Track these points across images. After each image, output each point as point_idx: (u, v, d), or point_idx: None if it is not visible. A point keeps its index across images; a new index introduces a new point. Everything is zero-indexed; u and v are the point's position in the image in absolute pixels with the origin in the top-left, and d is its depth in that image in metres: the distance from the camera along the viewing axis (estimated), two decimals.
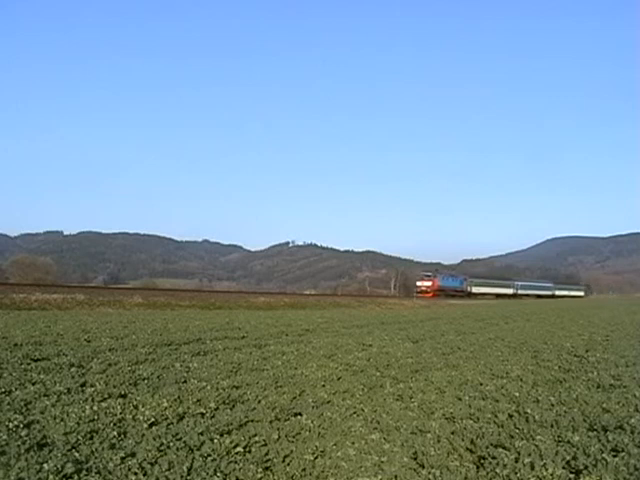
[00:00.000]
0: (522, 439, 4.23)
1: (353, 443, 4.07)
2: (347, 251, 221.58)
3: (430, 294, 59.16)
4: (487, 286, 72.18)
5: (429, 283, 62.48)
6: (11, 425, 4.13)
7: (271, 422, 4.55)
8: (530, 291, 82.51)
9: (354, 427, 4.48)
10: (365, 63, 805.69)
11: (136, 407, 4.85)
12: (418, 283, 64.14)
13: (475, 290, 68.91)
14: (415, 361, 8.28)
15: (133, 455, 3.60)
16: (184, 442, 3.92)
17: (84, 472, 3.29)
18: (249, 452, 3.80)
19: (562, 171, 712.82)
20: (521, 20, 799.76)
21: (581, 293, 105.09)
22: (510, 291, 77.12)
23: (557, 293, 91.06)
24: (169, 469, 3.39)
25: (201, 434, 4.12)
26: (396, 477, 3.49)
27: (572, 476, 3.52)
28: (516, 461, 3.73)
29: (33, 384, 5.65)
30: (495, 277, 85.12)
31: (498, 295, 72.11)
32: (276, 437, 4.14)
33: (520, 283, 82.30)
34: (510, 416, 5.00)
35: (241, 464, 3.56)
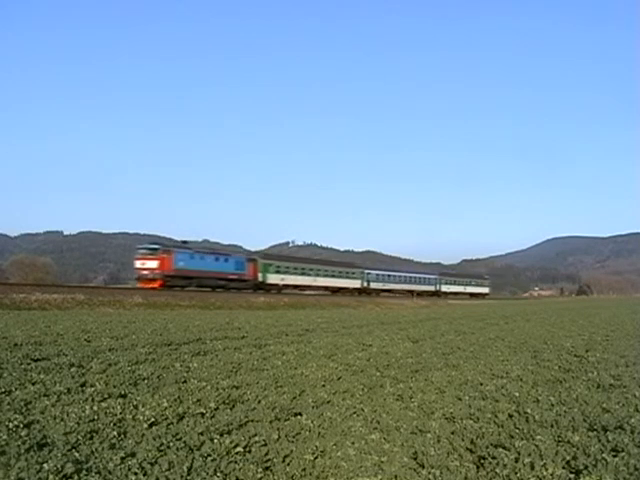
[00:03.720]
0: (522, 439, 4.22)
1: (353, 443, 4.07)
2: (347, 251, 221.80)
3: (157, 283, 36.04)
4: (292, 276, 48.79)
5: (154, 264, 36.62)
6: (11, 425, 4.13)
7: (271, 422, 4.55)
8: (378, 284, 58.64)
9: (354, 427, 4.48)
10: (365, 63, 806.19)
11: (136, 407, 4.85)
12: (137, 264, 37.78)
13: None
14: (415, 361, 8.28)
15: (133, 455, 3.60)
16: (184, 442, 3.92)
17: (84, 472, 3.28)
18: (249, 452, 3.80)
19: (562, 171, 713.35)
20: (523, 20, 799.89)
21: (484, 290, 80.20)
22: (357, 284, 56.36)
23: (445, 289, 69.07)
24: (169, 469, 3.39)
25: (201, 434, 4.12)
26: (396, 477, 3.49)
27: (572, 476, 3.52)
28: (516, 461, 3.73)
29: (33, 384, 5.65)
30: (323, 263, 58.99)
31: (337, 289, 53.89)
32: (276, 437, 4.14)
33: (368, 272, 58.42)
34: (510, 416, 5.00)
35: (241, 464, 3.56)
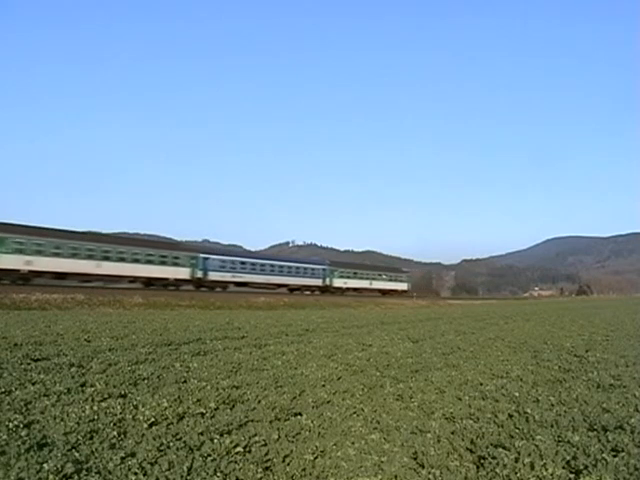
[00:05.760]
0: (522, 439, 4.22)
1: (353, 443, 4.07)
2: (347, 251, 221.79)
3: None
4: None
5: None
6: (11, 425, 4.12)
7: (271, 422, 4.55)
8: (220, 275, 43.77)
9: (354, 427, 4.48)
10: (366, 63, 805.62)
11: (136, 407, 4.85)
12: None
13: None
14: (415, 361, 8.28)
15: (133, 455, 3.60)
16: (184, 442, 3.92)
17: (84, 472, 3.28)
18: (249, 452, 3.79)
19: (562, 171, 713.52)
20: (525, 20, 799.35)
21: (401, 286, 64.96)
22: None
23: (338, 284, 54.90)
24: (169, 469, 3.38)
25: (201, 434, 4.12)
26: (396, 477, 3.49)
27: (572, 476, 3.52)
28: (516, 461, 3.72)
29: (33, 384, 5.64)
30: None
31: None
32: (276, 437, 4.13)
33: (205, 256, 43.65)
34: (510, 416, 5.00)
35: (241, 464, 3.55)
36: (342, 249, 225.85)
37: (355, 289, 56.78)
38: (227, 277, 44.64)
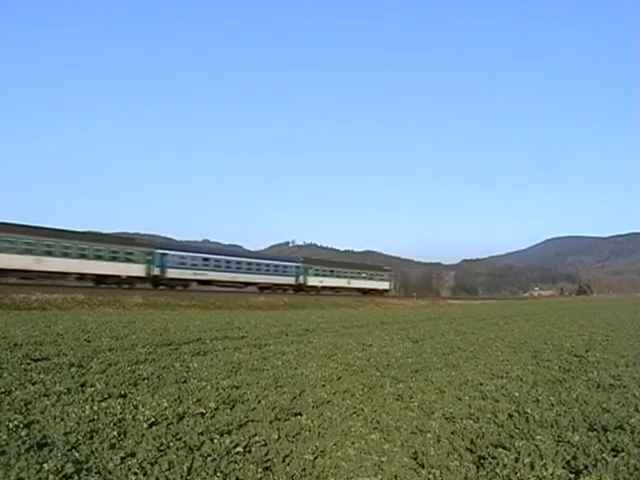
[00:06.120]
0: (522, 439, 4.22)
1: (353, 443, 4.07)
2: (347, 251, 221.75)
3: None
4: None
5: None
6: (11, 425, 4.13)
7: (271, 422, 4.55)
8: (180, 273, 40.66)
9: (354, 427, 4.48)
10: (366, 63, 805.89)
11: (136, 407, 4.85)
12: None
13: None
14: (415, 361, 8.28)
15: (133, 455, 3.60)
16: (184, 442, 3.92)
17: (84, 472, 3.28)
18: (249, 452, 3.79)
19: (562, 171, 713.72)
20: (525, 20, 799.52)
21: (382, 285, 61.33)
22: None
23: (313, 282, 51.73)
24: (169, 469, 3.39)
25: (201, 434, 4.12)
26: (396, 477, 3.49)
27: (572, 476, 3.52)
28: (516, 461, 3.72)
29: (33, 384, 5.64)
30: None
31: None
32: (276, 437, 4.13)
33: (163, 252, 40.46)
34: (510, 416, 5.00)
35: (241, 464, 3.55)
36: (342, 249, 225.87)
37: (332, 288, 53.55)
38: (188, 275, 41.61)
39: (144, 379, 6.16)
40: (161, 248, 41.08)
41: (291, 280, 50.38)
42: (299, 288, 50.28)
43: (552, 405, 5.45)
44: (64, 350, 8.12)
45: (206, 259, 43.69)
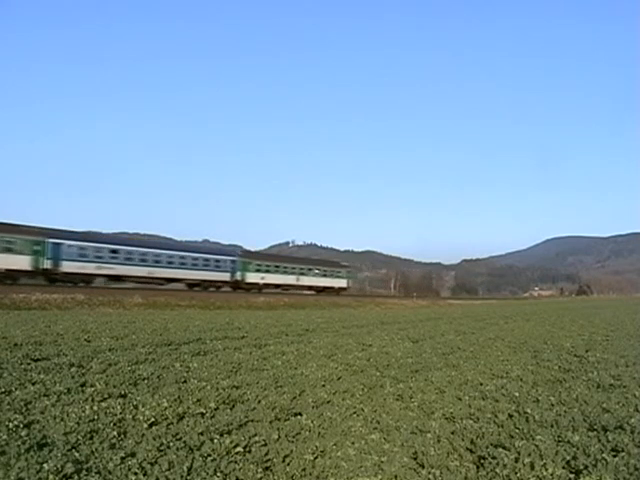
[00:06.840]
0: (522, 439, 4.22)
1: (353, 443, 4.07)
2: (347, 251, 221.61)
3: None
4: None
5: None
6: (11, 425, 4.12)
7: (271, 422, 4.54)
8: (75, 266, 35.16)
9: (354, 427, 4.48)
10: (366, 63, 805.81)
11: (136, 407, 4.85)
12: None
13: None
14: (415, 361, 8.28)
15: (133, 455, 3.60)
16: (184, 442, 3.92)
17: (84, 472, 3.28)
18: (249, 452, 3.79)
19: (562, 171, 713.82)
20: (525, 20, 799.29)
21: (338, 283, 56.60)
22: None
23: (254, 279, 46.77)
24: (169, 469, 3.39)
25: (201, 434, 4.12)
26: (396, 477, 3.49)
27: (572, 476, 3.52)
28: (516, 461, 3.72)
29: (33, 384, 5.64)
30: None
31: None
32: (276, 437, 4.13)
33: (55, 241, 34.59)
34: (510, 416, 5.00)
35: (241, 464, 3.55)
36: (342, 249, 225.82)
37: (277, 286, 48.34)
38: (90, 268, 36.04)
39: (144, 379, 6.16)
40: (56, 237, 35.11)
41: (225, 276, 44.89)
42: (236, 285, 45.18)
43: (552, 405, 5.45)
44: (64, 350, 8.12)
45: (114, 251, 37.98)
